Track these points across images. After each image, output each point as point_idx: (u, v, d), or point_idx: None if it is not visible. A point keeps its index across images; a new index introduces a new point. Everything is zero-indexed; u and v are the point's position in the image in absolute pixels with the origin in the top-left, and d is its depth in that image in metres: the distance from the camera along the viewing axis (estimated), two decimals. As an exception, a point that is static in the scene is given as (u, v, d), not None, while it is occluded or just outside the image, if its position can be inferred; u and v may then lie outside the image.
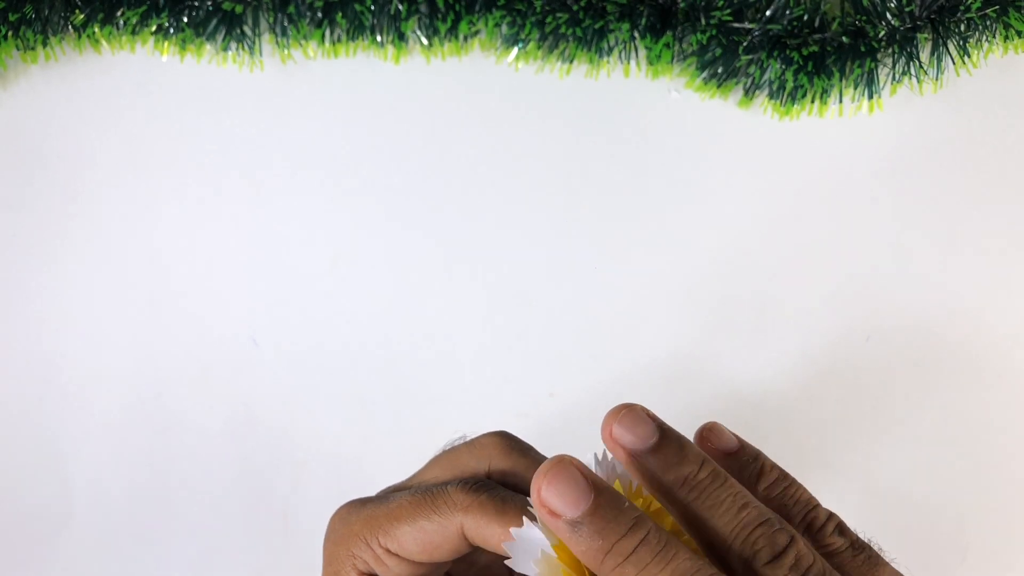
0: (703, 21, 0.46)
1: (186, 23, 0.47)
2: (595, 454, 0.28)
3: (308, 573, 0.52)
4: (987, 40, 0.47)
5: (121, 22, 0.47)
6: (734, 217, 0.51)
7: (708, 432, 0.29)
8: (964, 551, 0.53)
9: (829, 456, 0.52)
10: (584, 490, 0.25)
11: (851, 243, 0.51)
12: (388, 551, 0.30)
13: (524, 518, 0.27)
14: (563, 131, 0.50)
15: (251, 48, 0.48)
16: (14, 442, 0.51)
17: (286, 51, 0.48)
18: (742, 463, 0.29)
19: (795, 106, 0.48)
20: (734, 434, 0.29)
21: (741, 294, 0.52)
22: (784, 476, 0.29)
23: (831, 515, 0.28)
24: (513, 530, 0.27)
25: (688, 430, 0.52)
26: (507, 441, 0.32)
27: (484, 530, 0.29)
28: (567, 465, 0.25)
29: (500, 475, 0.31)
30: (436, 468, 0.32)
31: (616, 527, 0.25)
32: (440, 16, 0.47)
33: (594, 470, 0.28)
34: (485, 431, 0.33)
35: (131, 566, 0.51)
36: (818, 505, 0.28)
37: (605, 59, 0.48)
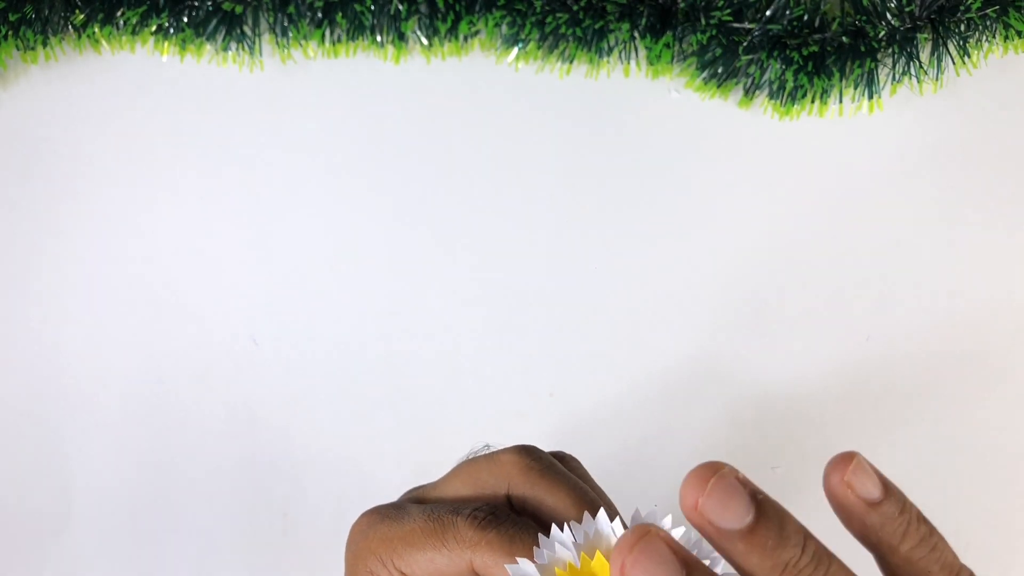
0: (703, 21, 0.46)
1: (186, 23, 0.47)
2: (638, 510, 0.26)
3: (308, 573, 0.52)
4: (987, 40, 0.47)
5: (121, 22, 0.47)
6: (734, 217, 0.51)
7: (851, 476, 0.24)
8: (964, 551, 0.53)
9: (829, 456, 0.52)
10: (747, 503, 0.22)
11: (851, 243, 0.51)
12: (402, 573, 0.30)
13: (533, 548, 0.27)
14: (563, 131, 0.50)
15: (251, 48, 0.48)
16: (14, 442, 0.51)
17: (286, 51, 0.48)
18: (886, 516, 0.24)
19: (795, 106, 0.48)
20: (879, 474, 0.25)
21: (741, 294, 0.52)
22: (931, 533, 0.25)
23: None
24: (509, 567, 0.27)
25: (688, 430, 0.52)
26: (527, 460, 0.31)
27: (492, 569, 0.28)
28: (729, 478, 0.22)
29: (519, 500, 0.31)
30: (456, 481, 0.32)
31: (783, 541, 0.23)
32: (440, 16, 0.47)
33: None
34: (507, 446, 0.32)
35: (131, 566, 0.51)
36: (961, 568, 0.25)
37: (605, 59, 0.48)
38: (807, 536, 0.23)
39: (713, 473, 0.22)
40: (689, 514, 0.22)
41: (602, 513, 0.27)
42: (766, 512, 0.23)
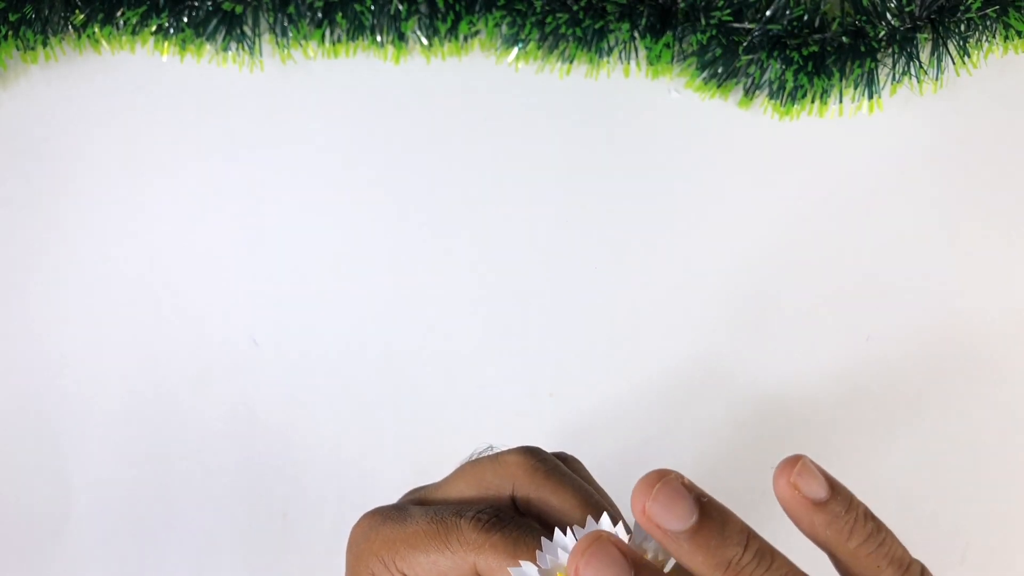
0: (703, 21, 0.47)
1: (186, 23, 0.47)
2: (623, 521, 0.27)
3: (308, 573, 0.52)
4: (987, 40, 0.47)
5: (121, 22, 0.47)
6: (734, 217, 0.51)
7: (797, 477, 0.25)
8: (964, 551, 0.53)
9: (829, 456, 0.52)
10: (690, 505, 0.24)
11: (851, 243, 0.51)
12: (404, 575, 0.30)
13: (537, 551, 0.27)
14: (563, 131, 0.50)
15: (251, 48, 0.48)
16: (14, 442, 0.51)
17: (286, 51, 0.48)
18: (831, 514, 0.26)
19: (795, 106, 0.48)
20: (825, 475, 0.26)
21: (741, 294, 0.52)
22: (878, 530, 0.26)
23: (924, 571, 0.26)
24: (512, 570, 0.27)
25: (688, 430, 0.52)
26: (532, 461, 0.31)
27: (496, 572, 0.28)
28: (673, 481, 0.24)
29: (524, 501, 0.31)
30: (461, 482, 0.32)
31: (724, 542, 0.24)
32: (440, 16, 0.47)
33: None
34: (512, 446, 0.32)
35: (131, 566, 0.51)
36: (912, 563, 0.26)
37: (605, 59, 0.48)
38: (750, 535, 0.24)
39: (660, 479, 0.24)
40: (639, 518, 0.24)
41: (605, 517, 0.27)
42: (709, 513, 0.24)
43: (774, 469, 0.26)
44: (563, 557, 0.26)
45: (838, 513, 0.26)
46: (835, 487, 0.26)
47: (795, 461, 0.25)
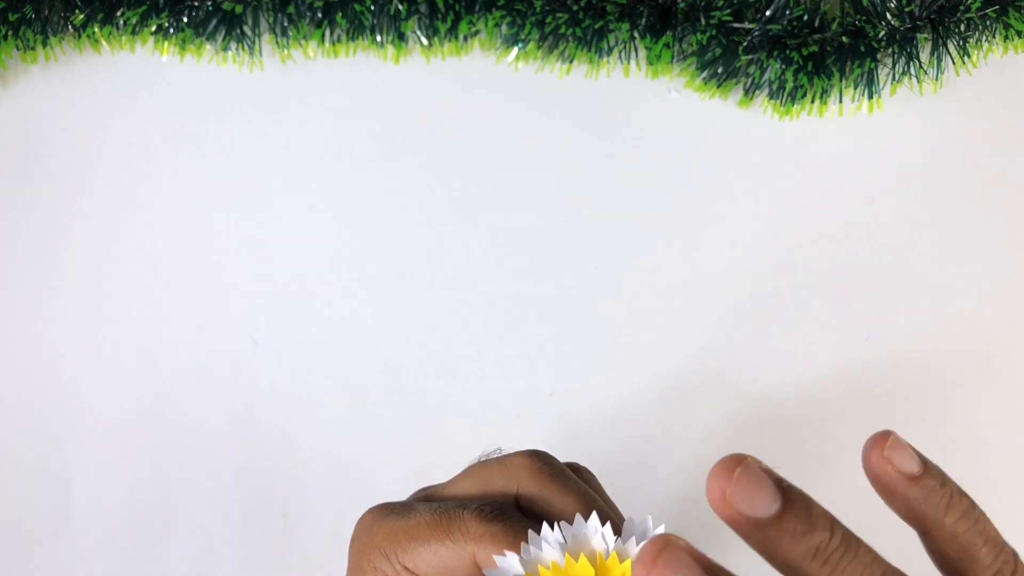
0: (703, 21, 0.47)
1: (186, 23, 0.47)
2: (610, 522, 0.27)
3: (308, 573, 0.52)
4: (987, 40, 0.47)
5: (121, 22, 0.47)
6: (734, 217, 0.51)
7: (890, 451, 0.24)
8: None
9: (829, 456, 0.52)
10: (773, 490, 0.23)
11: (851, 243, 0.51)
12: (406, 568, 0.30)
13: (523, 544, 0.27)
14: (563, 131, 0.50)
15: (251, 48, 0.48)
16: (14, 442, 0.51)
17: (286, 51, 0.48)
18: (927, 489, 0.25)
19: (795, 106, 0.48)
20: (916, 451, 0.25)
21: (741, 293, 0.52)
22: (972, 507, 0.25)
23: (1017, 559, 0.25)
24: (497, 559, 0.27)
25: (688, 430, 0.52)
26: (538, 464, 0.31)
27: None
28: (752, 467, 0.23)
29: (528, 500, 0.31)
30: (467, 481, 0.32)
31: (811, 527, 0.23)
32: (440, 16, 0.47)
33: (614, 542, 0.27)
34: (520, 448, 0.32)
35: (131, 566, 0.51)
36: (1005, 544, 0.25)
37: (605, 59, 0.48)
38: (834, 521, 0.23)
39: (738, 464, 0.22)
40: (717, 505, 0.23)
41: (593, 517, 0.27)
42: (792, 499, 0.23)
43: (863, 446, 0.24)
44: (547, 551, 0.27)
45: (933, 488, 0.25)
46: (927, 462, 0.25)
47: (886, 436, 0.24)
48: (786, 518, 0.22)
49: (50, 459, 0.51)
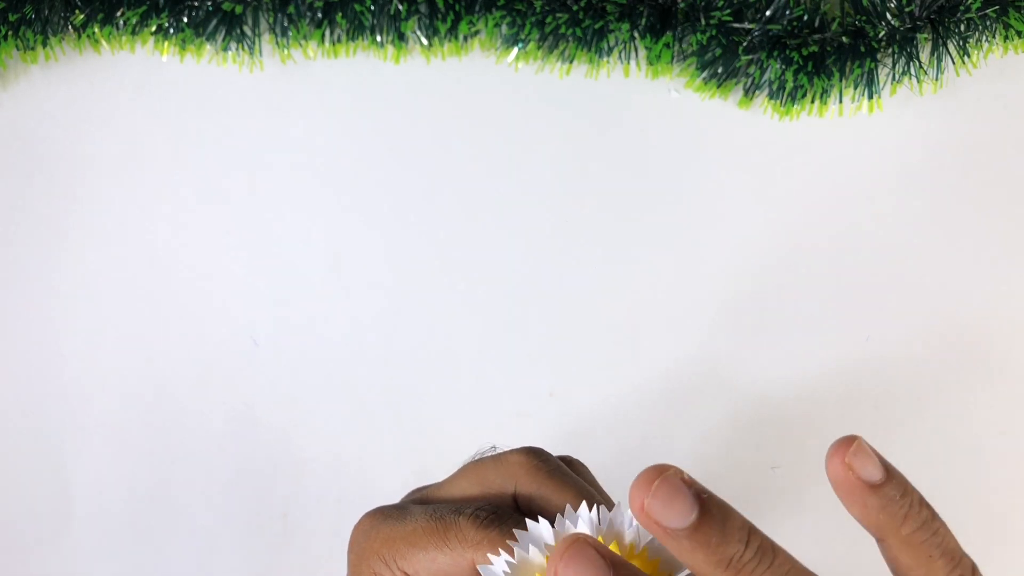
0: (703, 21, 0.47)
1: (186, 23, 0.47)
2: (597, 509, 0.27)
3: (308, 573, 0.52)
4: (987, 40, 0.47)
5: (121, 22, 0.47)
6: (734, 217, 0.51)
7: (852, 457, 0.25)
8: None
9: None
10: (690, 502, 0.23)
11: (851, 243, 0.51)
12: (406, 573, 0.30)
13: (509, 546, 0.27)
14: (563, 131, 0.50)
15: (251, 48, 0.48)
16: (14, 442, 0.51)
17: (286, 51, 0.48)
18: (886, 498, 0.25)
19: (795, 106, 0.48)
20: (880, 458, 0.25)
21: (741, 294, 0.52)
22: (932, 518, 0.25)
23: (975, 571, 0.25)
24: (480, 567, 0.27)
25: (688, 430, 0.52)
26: (535, 461, 0.31)
27: None
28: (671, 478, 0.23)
29: (525, 499, 0.31)
30: (463, 481, 0.32)
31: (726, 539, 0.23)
32: (440, 16, 0.47)
33: (593, 529, 0.27)
34: (515, 447, 0.32)
35: (131, 566, 0.51)
36: (964, 557, 0.25)
37: (605, 59, 0.48)
38: (751, 531, 0.24)
39: (659, 475, 0.23)
40: (637, 515, 0.23)
41: (583, 506, 0.27)
42: (709, 510, 0.23)
43: (828, 449, 0.25)
44: (533, 552, 0.27)
45: (893, 497, 0.25)
46: (890, 471, 0.25)
47: (850, 441, 0.25)
48: (701, 529, 0.23)
49: (50, 459, 0.51)
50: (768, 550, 0.24)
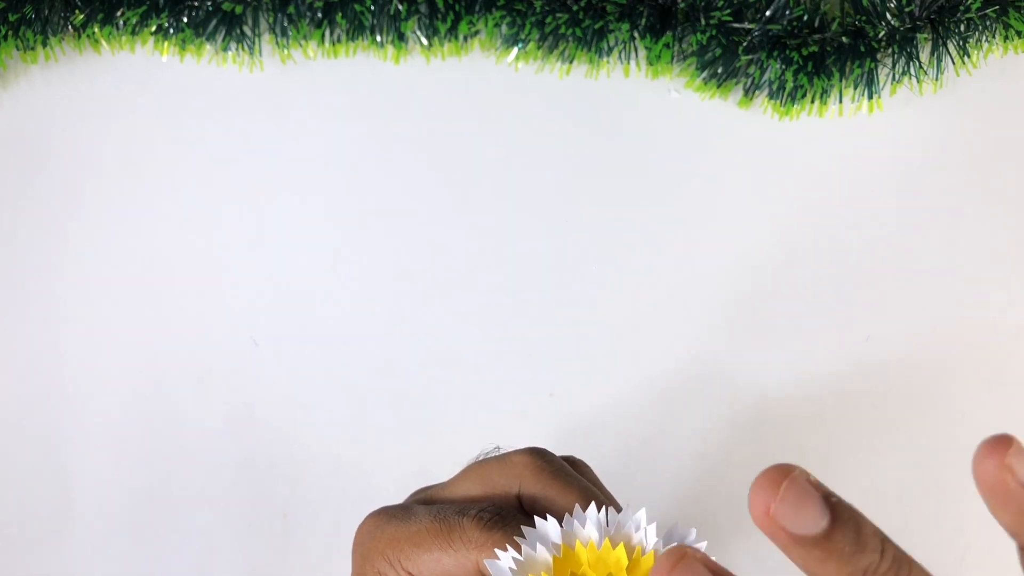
0: (703, 21, 0.47)
1: (186, 23, 0.47)
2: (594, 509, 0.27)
3: (308, 573, 0.52)
4: (987, 40, 0.47)
5: (121, 22, 0.47)
6: (734, 217, 0.51)
7: (1012, 458, 0.22)
8: (964, 551, 0.53)
9: (829, 456, 0.52)
10: (821, 507, 0.21)
11: (851, 243, 0.51)
12: (411, 574, 0.30)
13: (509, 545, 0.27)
14: (563, 131, 0.50)
15: (251, 48, 0.48)
16: (14, 442, 0.51)
17: (286, 51, 0.48)
18: None
19: (795, 106, 0.48)
20: None
21: (741, 294, 0.52)
22: None
23: None
24: (488, 563, 0.27)
25: (688, 430, 0.52)
26: (539, 462, 0.31)
27: None
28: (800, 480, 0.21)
29: (529, 500, 0.31)
30: (467, 481, 0.32)
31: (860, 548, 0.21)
32: (440, 16, 0.47)
33: (596, 527, 0.26)
34: (519, 447, 0.32)
35: (131, 566, 0.51)
36: None
37: (605, 59, 0.48)
38: (884, 540, 0.22)
39: (784, 476, 0.21)
40: (761, 521, 0.21)
41: (592, 507, 0.27)
42: (841, 516, 0.21)
43: (978, 448, 0.22)
44: (540, 550, 0.27)
45: None
46: None
47: (1008, 442, 0.22)
48: (834, 537, 0.21)
49: (50, 459, 0.51)
50: (904, 561, 0.22)
